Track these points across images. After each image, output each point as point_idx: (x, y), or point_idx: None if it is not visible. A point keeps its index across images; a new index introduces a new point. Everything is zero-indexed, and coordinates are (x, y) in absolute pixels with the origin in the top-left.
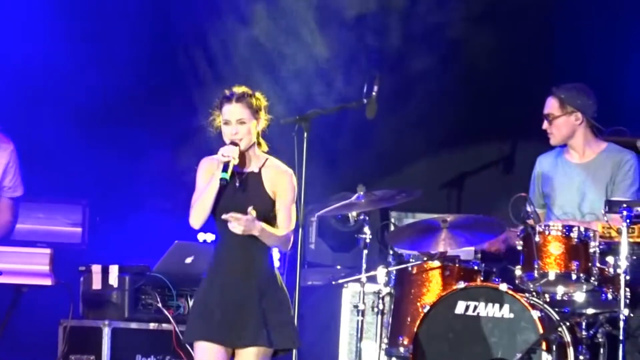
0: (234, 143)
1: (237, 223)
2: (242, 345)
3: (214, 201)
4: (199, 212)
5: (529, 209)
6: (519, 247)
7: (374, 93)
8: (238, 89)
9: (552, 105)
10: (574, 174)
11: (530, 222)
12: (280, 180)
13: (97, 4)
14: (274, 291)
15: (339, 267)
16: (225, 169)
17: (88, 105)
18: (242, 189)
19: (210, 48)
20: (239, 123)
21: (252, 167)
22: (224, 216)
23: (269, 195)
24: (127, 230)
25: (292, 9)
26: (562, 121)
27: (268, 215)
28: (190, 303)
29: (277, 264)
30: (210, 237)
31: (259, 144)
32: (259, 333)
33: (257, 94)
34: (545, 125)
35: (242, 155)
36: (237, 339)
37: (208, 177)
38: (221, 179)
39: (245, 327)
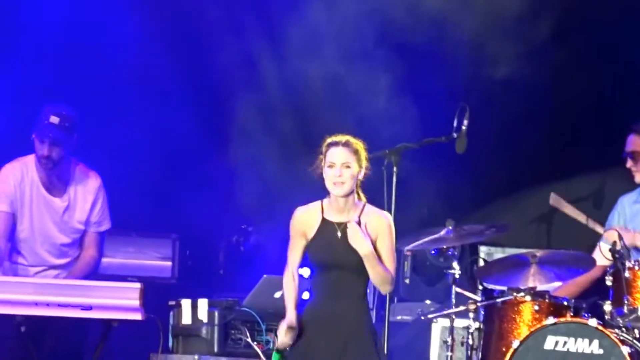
0: (290, 327)
1: (354, 234)
2: None
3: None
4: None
5: (618, 243)
6: (609, 283)
7: (463, 127)
8: (344, 136)
9: (635, 142)
10: None
11: (621, 259)
12: (380, 226)
13: None
14: (367, 340)
15: (428, 302)
16: (277, 350)
17: (177, 139)
18: (343, 239)
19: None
20: (344, 167)
21: (351, 215)
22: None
23: (371, 241)
24: (217, 264)
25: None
26: None
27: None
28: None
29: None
30: (301, 271)
31: (357, 193)
32: None
33: (362, 143)
34: (629, 164)
35: (343, 203)
36: None
37: (299, 233)
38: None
39: None
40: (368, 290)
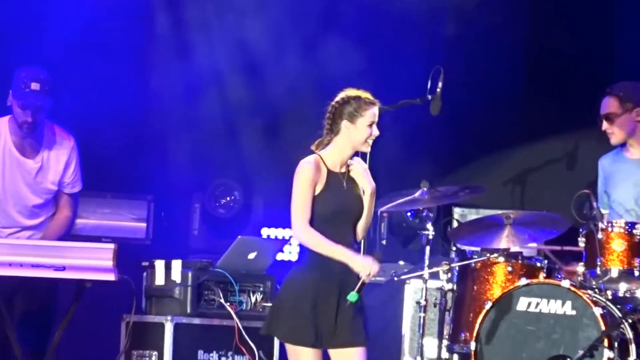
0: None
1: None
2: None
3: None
4: (314, 244)
5: (592, 206)
6: (582, 244)
7: (438, 89)
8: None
9: (610, 104)
10: (632, 171)
11: (594, 219)
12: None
13: None
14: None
15: (401, 263)
16: (359, 290)
17: (153, 100)
18: (349, 188)
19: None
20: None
21: (345, 166)
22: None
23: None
24: (192, 225)
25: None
26: (624, 119)
27: None
28: (253, 298)
29: None
30: (273, 232)
31: None
32: (360, 332)
33: None
34: (605, 126)
35: (347, 156)
36: (336, 341)
37: (314, 182)
38: (349, 300)
39: (345, 328)
40: None
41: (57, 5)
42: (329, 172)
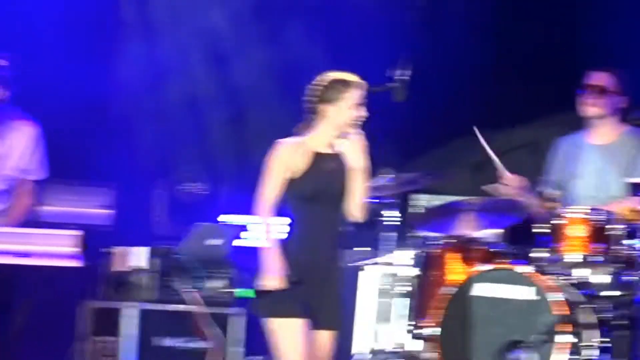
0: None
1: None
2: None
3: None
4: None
5: (551, 191)
6: (543, 230)
7: (403, 77)
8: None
9: (607, 79)
10: (594, 156)
11: (551, 204)
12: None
13: None
14: (339, 273)
15: (361, 249)
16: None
17: (118, 89)
18: (336, 170)
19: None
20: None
21: (336, 147)
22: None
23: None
24: (154, 212)
25: None
26: (613, 99)
27: None
28: (215, 284)
29: None
30: (230, 218)
31: None
32: (335, 316)
33: None
34: (592, 95)
35: (333, 137)
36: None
37: (284, 166)
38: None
39: (325, 309)
40: None
41: None
42: (314, 153)
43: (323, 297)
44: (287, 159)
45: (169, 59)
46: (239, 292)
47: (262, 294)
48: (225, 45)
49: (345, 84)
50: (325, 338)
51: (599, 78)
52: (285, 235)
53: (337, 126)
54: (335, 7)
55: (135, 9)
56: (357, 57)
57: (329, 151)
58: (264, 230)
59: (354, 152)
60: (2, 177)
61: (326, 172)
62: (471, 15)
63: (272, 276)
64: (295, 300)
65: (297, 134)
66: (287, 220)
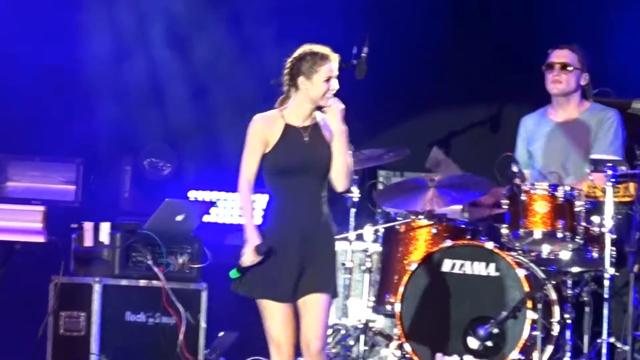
0: (257, 249)
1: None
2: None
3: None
4: (239, 201)
5: (514, 168)
6: (505, 207)
7: (363, 54)
8: (329, 50)
9: (570, 56)
10: (557, 133)
11: (517, 181)
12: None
13: None
14: (331, 245)
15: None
16: (240, 270)
17: (84, 63)
18: (311, 142)
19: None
20: (335, 78)
21: (312, 119)
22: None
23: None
24: (120, 188)
25: None
26: (576, 75)
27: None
28: (180, 260)
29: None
30: (200, 194)
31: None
32: (317, 280)
33: None
34: (555, 72)
35: (308, 109)
36: (297, 292)
37: (260, 141)
38: (231, 275)
39: (302, 278)
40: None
41: None
42: (287, 126)
43: (307, 266)
44: (262, 133)
45: (134, 34)
46: (232, 273)
47: (244, 271)
48: (187, 22)
49: (319, 56)
50: (315, 302)
51: (562, 55)
52: (263, 212)
53: (312, 99)
54: None
55: None
56: (314, 34)
57: (305, 124)
58: (242, 205)
59: (332, 119)
60: None
61: (299, 144)
62: None
63: (247, 251)
64: (269, 279)
65: (275, 108)
66: (266, 196)
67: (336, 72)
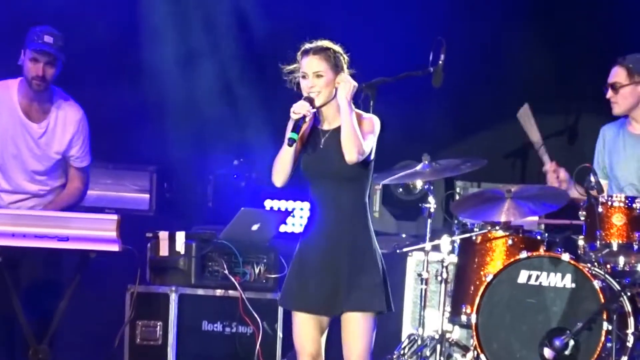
0: (308, 99)
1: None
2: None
3: (293, 159)
4: (277, 172)
5: (592, 179)
6: (582, 218)
7: (440, 61)
8: (318, 42)
9: (618, 74)
10: (636, 145)
11: (594, 192)
12: (367, 124)
13: None
14: (368, 256)
15: (404, 235)
16: (295, 129)
17: (160, 72)
18: (326, 146)
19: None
20: (315, 76)
21: (335, 122)
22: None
23: None
24: (196, 196)
25: None
26: (629, 90)
27: (356, 172)
28: (257, 270)
29: None
30: (276, 204)
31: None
32: (349, 297)
33: (337, 48)
34: (609, 94)
35: (325, 112)
36: (333, 306)
37: (302, 137)
38: (289, 139)
39: (338, 293)
40: (366, 201)
41: None
42: (314, 128)
43: (344, 279)
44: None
45: (205, 39)
46: (292, 135)
47: (297, 129)
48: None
49: (300, 52)
50: (355, 321)
51: (612, 73)
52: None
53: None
54: None
55: None
56: (393, 41)
57: (324, 127)
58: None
59: (340, 92)
60: (42, 157)
61: (316, 149)
62: None
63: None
64: (295, 290)
65: None
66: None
67: (312, 69)
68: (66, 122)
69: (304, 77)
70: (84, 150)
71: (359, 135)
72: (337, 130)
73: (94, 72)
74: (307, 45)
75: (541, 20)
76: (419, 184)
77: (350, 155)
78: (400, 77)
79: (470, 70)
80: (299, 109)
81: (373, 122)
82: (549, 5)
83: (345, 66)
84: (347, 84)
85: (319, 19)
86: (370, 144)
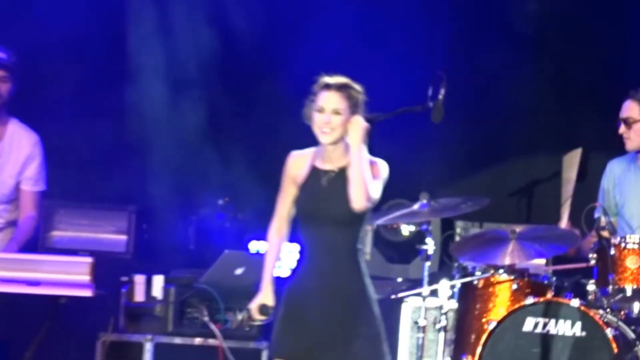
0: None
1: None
2: None
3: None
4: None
5: (603, 219)
6: (593, 261)
7: (440, 97)
8: (339, 78)
9: (631, 108)
10: None
11: (605, 233)
12: (373, 169)
13: None
14: (364, 304)
15: (399, 279)
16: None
17: (141, 108)
18: (329, 187)
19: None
20: (333, 113)
21: (340, 163)
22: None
23: None
24: (177, 238)
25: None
26: None
27: (356, 217)
28: (239, 317)
29: None
30: (263, 246)
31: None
32: (349, 349)
33: (359, 88)
34: (622, 129)
35: (331, 151)
36: (330, 355)
37: (290, 180)
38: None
39: (335, 343)
40: (360, 246)
41: None
42: (313, 167)
43: (334, 328)
44: (292, 171)
45: (188, 77)
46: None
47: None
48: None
49: (319, 85)
50: None
51: (624, 108)
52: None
53: (317, 135)
54: (369, 22)
55: None
56: (390, 76)
57: (327, 167)
58: (266, 252)
59: (353, 133)
60: (1, 184)
61: (316, 189)
62: (512, 31)
63: (253, 307)
64: (282, 335)
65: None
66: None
67: (332, 106)
68: (21, 145)
69: (320, 111)
70: (38, 172)
71: (370, 182)
72: (343, 171)
73: (72, 107)
74: (329, 80)
75: (544, 55)
76: (404, 225)
77: (359, 203)
78: (398, 112)
79: (472, 105)
80: (255, 318)
81: (380, 167)
82: (552, 39)
83: (362, 108)
84: (360, 127)
85: (314, 54)
86: (378, 185)
